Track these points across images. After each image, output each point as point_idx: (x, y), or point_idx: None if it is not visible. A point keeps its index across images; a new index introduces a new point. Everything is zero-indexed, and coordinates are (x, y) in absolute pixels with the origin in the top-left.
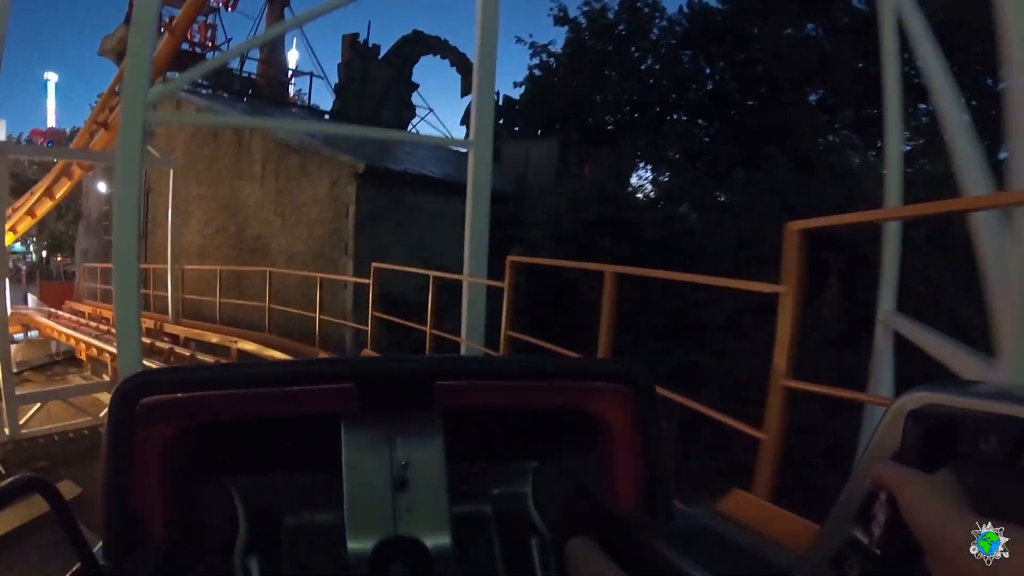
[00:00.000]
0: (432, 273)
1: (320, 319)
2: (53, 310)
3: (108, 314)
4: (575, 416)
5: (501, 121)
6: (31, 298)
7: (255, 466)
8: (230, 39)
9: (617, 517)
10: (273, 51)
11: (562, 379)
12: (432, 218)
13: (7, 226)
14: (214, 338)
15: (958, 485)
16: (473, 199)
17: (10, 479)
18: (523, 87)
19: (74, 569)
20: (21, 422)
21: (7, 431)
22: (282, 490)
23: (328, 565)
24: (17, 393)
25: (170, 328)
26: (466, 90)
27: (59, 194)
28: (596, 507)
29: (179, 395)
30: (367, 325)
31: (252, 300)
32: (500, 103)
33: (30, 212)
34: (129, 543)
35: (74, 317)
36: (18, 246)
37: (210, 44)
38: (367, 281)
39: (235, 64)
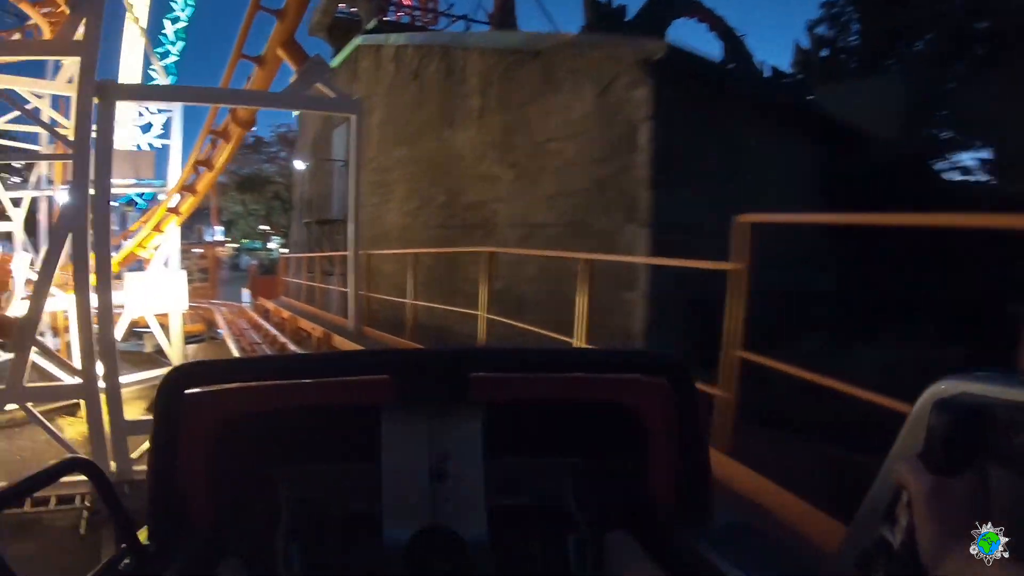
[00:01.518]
0: None
1: (583, 348)
2: (242, 307)
3: (285, 315)
4: (616, 411)
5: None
6: (245, 293)
7: (298, 455)
8: (452, 4)
9: (655, 514)
10: (505, 12)
11: (595, 370)
12: (766, 166)
13: (163, 210)
14: None
15: (975, 494)
16: None
17: (58, 460)
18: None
19: (120, 550)
20: (134, 456)
21: (112, 465)
22: (324, 478)
23: (366, 553)
24: (127, 419)
25: (340, 342)
26: (728, 57)
27: (218, 162)
28: (635, 503)
29: (223, 386)
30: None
31: (464, 304)
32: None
33: (189, 188)
34: (173, 527)
35: (254, 318)
36: (250, 242)
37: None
38: (691, 264)
39: (461, 28)
